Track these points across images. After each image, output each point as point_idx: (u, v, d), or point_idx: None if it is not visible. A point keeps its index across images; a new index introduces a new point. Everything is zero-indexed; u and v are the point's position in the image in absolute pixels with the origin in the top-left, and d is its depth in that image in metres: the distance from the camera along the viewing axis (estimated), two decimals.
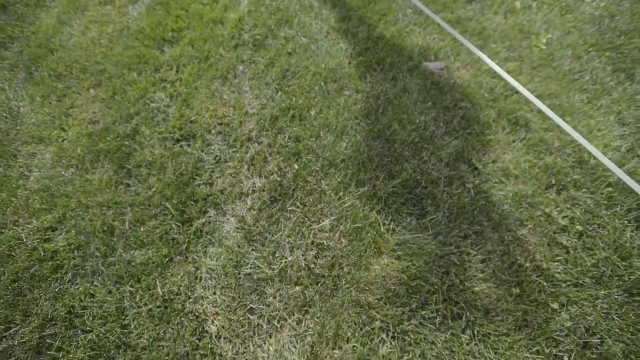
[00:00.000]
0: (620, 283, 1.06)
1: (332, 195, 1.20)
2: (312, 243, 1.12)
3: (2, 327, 0.99)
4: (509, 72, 1.49)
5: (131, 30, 1.71)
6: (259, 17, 1.73)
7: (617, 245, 1.11)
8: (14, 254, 1.10)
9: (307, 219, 1.17)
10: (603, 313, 1.02)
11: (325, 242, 1.12)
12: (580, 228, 1.14)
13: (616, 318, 1.01)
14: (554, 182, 1.24)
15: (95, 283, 1.06)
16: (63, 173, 1.26)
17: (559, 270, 1.08)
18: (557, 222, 1.15)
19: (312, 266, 1.09)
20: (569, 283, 1.06)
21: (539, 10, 1.76)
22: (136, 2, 1.86)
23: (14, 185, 1.24)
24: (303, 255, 1.10)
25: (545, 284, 1.06)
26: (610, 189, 1.21)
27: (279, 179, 1.25)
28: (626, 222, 1.15)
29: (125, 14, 1.80)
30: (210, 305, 1.03)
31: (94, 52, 1.62)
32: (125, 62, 1.57)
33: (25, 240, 1.12)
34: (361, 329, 0.99)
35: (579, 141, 1.18)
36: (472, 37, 1.62)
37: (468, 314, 1.01)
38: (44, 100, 1.47)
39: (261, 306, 1.03)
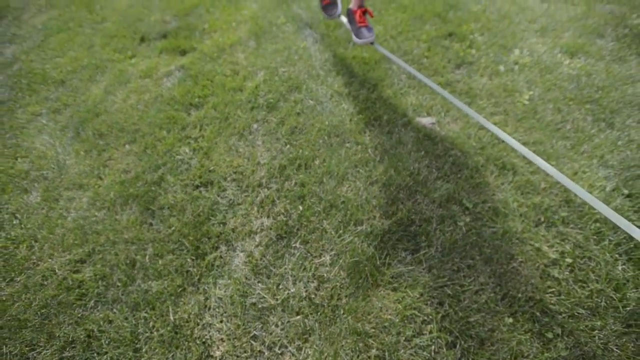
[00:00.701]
0: (616, 314, 1.08)
1: (333, 232, 1.31)
2: (313, 275, 1.21)
3: (27, 348, 1.09)
4: (494, 124, 1.65)
5: (164, 97, 2.00)
6: (272, 85, 2.00)
7: (609, 278, 1.15)
8: (45, 282, 1.23)
9: (309, 254, 1.27)
10: (601, 343, 1.04)
11: (325, 275, 1.21)
12: (570, 261, 1.19)
13: (615, 349, 1.03)
14: (542, 219, 1.32)
15: (114, 310, 1.16)
16: (96, 214, 1.43)
17: (552, 301, 1.12)
18: (548, 255, 1.21)
19: (313, 296, 1.16)
20: (563, 314, 1.09)
21: (520, 72, 1.97)
22: (170, 75, 2.19)
23: (53, 224, 1.41)
24: (304, 287, 1.18)
25: (538, 314, 1.09)
26: (598, 224, 1.28)
27: (284, 219, 1.37)
28: (616, 255, 1.20)
29: (160, 84, 2.11)
30: (217, 331, 1.10)
31: (131, 115, 1.90)
32: (157, 123, 1.83)
33: (57, 270, 1.26)
34: (358, 356, 1.04)
35: (562, 183, 1.28)
36: (461, 96, 1.82)
37: (462, 342, 1.05)
38: (86, 154, 1.70)
39: (263, 333, 1.10)
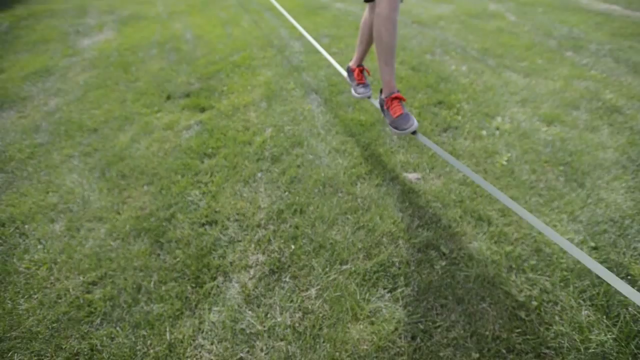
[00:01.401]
0: (579, 355, 1.17)
1: (320, 270, 1.45)
2: (299, 307, 1.33)
3: (36, 357, 1.20)
4: (473, 182, 1.84)
5: (182, 147, 2.26)
6: (278, 140, 2.26)
7: (573, 321, 1.25)
8: (59, 300, 1.37)
9: (297, 287, 1.40)
10: None
11: (309, 307, 1.33)
12: (537, 304, 1.30)
13: None
14: (513, 266, 1.44)
15: (117, 327, 1.28)
16: (111, 243, 1.61)
17: (518, 341, 1.21)
18: (516, 298, 1.32)
19: (297, 325, 1.27)
20: (529, 353, 1.18)
21: (501, 137, 2.20)
22: (189, 128, 2.47)
23: (72, 250, 1.58)
24: (290, 316, 1.30)
25: (504, 351, 1.18)
26: (565, 273, 1.40)
27: (278, 256, 1.52)
28: (581, 301, 1.31)
29: (179, 136, 2.38)
30: (207, 352, 1.21)
31: (152, 160, 2.14)
32: (173, 168, 2.06)
33: (71, 290, 1.40)
34: None
35: (536, 226, 1.43)
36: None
37: None
38: (108, 192, 1.92)
39: (250, 356, 1.20)
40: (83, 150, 2.30)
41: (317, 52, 3.05)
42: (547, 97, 2.67)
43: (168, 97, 2.94)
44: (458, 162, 1.38)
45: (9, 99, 3.10)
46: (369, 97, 1.87)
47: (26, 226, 1.75)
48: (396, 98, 1.57)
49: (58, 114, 2.79)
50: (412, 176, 1.91)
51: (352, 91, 1.97)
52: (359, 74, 1.96)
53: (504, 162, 1.99)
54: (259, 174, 2.01)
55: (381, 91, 1.67)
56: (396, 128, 1.51)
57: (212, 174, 2.02)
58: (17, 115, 2.84)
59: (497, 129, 2.29)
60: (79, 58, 4.03)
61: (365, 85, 1.89)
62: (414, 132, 1.51)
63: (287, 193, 1.86)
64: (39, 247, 1.62)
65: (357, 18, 4.93)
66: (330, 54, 3.50)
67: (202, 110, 2.73)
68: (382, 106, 1.66)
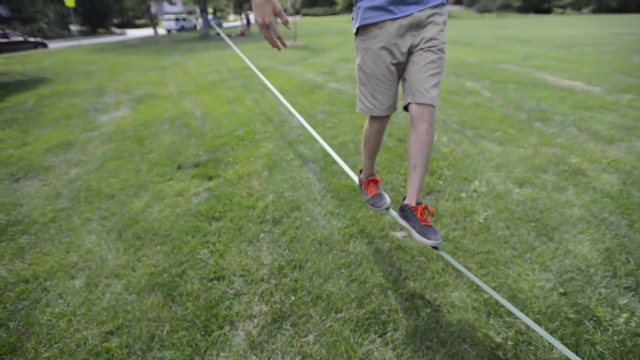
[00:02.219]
0: None
1: (317, 318, 1.61)
2: (298, 352, 1.47)
3: None
4: (453, 239, 2.06)
5: (192, 211, 2.50)
6: (278, 205, 2.51)
7: (546, 359, 1.39)
8: (79, 349, 1.50)
9: (297, 334, 1.55)
10: None
11: (308, 351, 1.47)
12: (512, 344, 1.45)
13: None
14: (491, 311, 1.61)
15: None
16: (127, 297, 1.77)
17: None
18: (494, 339, 1.47)
19: None
20: None
21: (478, 198, 2.47)
22: (198, 195, 2.73)
23: (91, 304, 1.73)
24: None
25: None
26: (538, 316, 1.56)
27: (279, 307, 1.68)
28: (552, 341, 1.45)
29: (189, 201, 2.64)
30: None
31: (164, 223, 2.36)
32: (184, 230, 2.28)
33: (89, 339, 1.54)
34: None
35: (506, 306, 1.62)
36: (428, 217, 2.27)
37: None
38: (124, 251, 2.11)
39: None
40: (101, 214, 2.53)
41: (313, 127, 3.44)
42: (519, 163, 3.00)
43: (179, 167, 3.25)
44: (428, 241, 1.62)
45: (33, 169, 3.41)
46: (436, 248, 1.52)
47: (48, 282, 1.91)
48: (373, 180, 1.86)
49: (78, 182, 3.07)
50: (399, 234, 2.13)
51: (416, 235, 1.52)
52: (422, 213, 1.53)
53: (481, 221, 2.23)
54: (262, 235, 2.22)
55: (360, 171, 1.97)
56: (372, 206, 1.79)
57: (219, 235, 2.23)
58: (40, 183, 3.11)
59: (475, 191, 2.57)
60: (98, 132, 4.44)
61: (432, 231, 1.45)
62: (387, 209, 1.75)
63: (287, 251, 2.06)
64: (60, 301, 1.78)
65: (350, 96, 5.51)
66: (325, 128, 3.93)
67: (210, 178, 3.02)
68: (360, 184, 1.95)
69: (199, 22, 34.24)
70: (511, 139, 3.56)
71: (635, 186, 2.60)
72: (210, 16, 30.54)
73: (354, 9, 1.50)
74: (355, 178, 2.12)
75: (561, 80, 6.28)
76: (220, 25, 36.87)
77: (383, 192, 1.83)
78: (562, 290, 1.70)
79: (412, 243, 2.06)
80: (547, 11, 67.49)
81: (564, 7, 68.02)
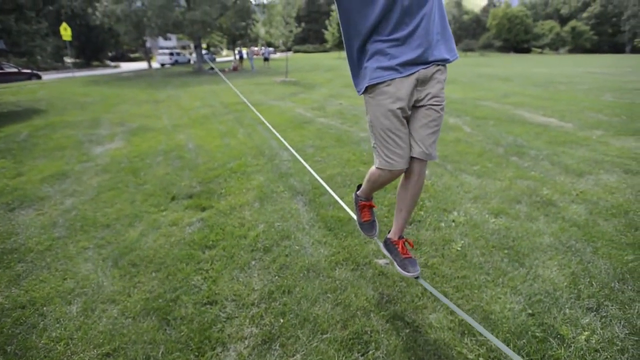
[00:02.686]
0: None
1: (304, 339, 1.72)
2: None
3: None
4: (432, 265, 2.21)
5: (186, 240, 2.61)
6: (269, 234, 2.64)
7: None
8: None
9: (285, 354, 1.65)
10: None
11: None
12: None
13: None
14: (465, 331, 1.74)
15: None
16: (123, 321, 1.85)
17: None
18: (467, 356, 1.60)
19: None
20: None
21: (456, 227, 2.64)
22: (191, 225, 2.85)
23: (88, 328, 1.80)
24: None
25: None
26: (507, 335, 1.70)
27: (269, 329, 1.79)
28: (521, 357, 1.58)
29: (183, 231, 2.75)
30: None
31: (159, 252, 2.47)
32: (178, 258, 2.38)
33: None
34: None
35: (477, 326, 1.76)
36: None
37: None
38: (120, 278, 2.20)
39: None
40: (97, 243, 2.63)
41: (303, 159, 3.63)
42: (495, 194, 3.22)
43: (173, 198, 3.38)
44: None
45: (28, 198, 3.49)
46: (417, 278, 1.65)
47: (45, 308, 1.98)
48: (367, 206, 1.96)
49: (74, 211, 3.16)
50: (381, 262, 2.27)
51: (397, 267, 1.71)
52: (403, 246, 1.73)
53: (458, 248, 2.39)
54: (253, 262, 2.34)
55: (358, 188, 1.99)
56: (362, 230, 1.98)
57: (212, 262, 2.34)
58: (35, 212, 3.19)
59: (453, 221, 2.75)
60: (93, 164, 4.56)
61: (412, 262, 1.66)
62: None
63: (277, 277, 2.18)
64: (57, 325, 1.85)
65: (338, 131, 5.78)
66: (314, 161, 4.13)
67: (203, 209, 3.15)
68: (356, 203, 2.01)
69: (193, 57, 35.25)
70: (489, 172, 3.79)
71: (600, 216, 2.82)
72: (204, 51, 31.51)
73: (360, 69, 1.54)
74: (346, 209, 2.30)
75: (537, 117, 6.69)
76: (213, 60, 37.97)
77: (375, 220, 1.98)
78: (530, 311, 1.85)
79: (393, 269, 2.20)
80: (527, 51, 71.35)
81: (542, 47, 72.09)
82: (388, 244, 1.79)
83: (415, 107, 1.52)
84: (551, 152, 4.48)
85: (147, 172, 4.15)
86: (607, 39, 72.42)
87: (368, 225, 1.97)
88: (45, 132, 6.58)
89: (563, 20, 76.32)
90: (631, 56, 50.70)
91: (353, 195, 2.13)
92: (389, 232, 1.81)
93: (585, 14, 74.71)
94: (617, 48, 71.93)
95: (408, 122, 1.55)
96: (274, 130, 4.83)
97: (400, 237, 1.75)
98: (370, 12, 1.38)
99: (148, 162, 4.54)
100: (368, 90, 1.52)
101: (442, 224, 2.71)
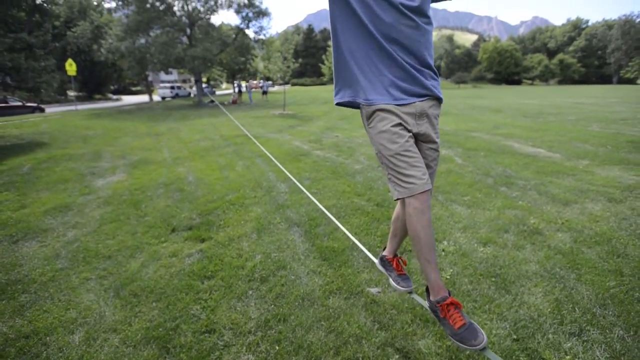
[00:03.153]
0: None
1: None
2: None
3: None
4: (422, 293, 2.30)
5: (185, 271, 2.70)
6: (265, 265, 2.74)
7: None
8: None
9: None
10: None
11: None
12: None
13: None
14: (453, 357, 1.81)
15: None
16: (124, 349, 1.92)
17: None
18: None
19: None
20: None
21: (446, 257, 2.75)
22: (191, 256, 2.95)
23: (90, 357, 1.87)
24: None
25: None
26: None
27: (265, 356, 1.86)
28: None
29: (183, 262, 2.85)
30: None
31: (159, 282, 2.55)
32: (178, 288, 2.47)
33: None
34: None
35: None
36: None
37: None
38: (122, 308, 2.27)
39: None
40: (99, 274, 2.71)
41: (300, 192, 3.78)
42: (483, 224, 3.34)
43: (173, 230, 3.48)
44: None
45: (31, 230, 3.59)
46: (410, 293, 1.74)
47: (48, 337, 2.05)
48: (452, 304, 1.46)
49: (76, 243, 3.26)
50: (374, 290, 2.37)
51: (392, 282, 1.82)
52: (397, 264, 1.84)
53: (448, 277, 2.49)
54: (250, 292, 2.43)
55: (428, 292, 1.58)
56: (461, 342, 1.38)
57: (210, 292, 2.43)
58: (38, 244, 3.28)
59: (443, 250, 2.86)
60: (95, 196, 4.69)
61: (405, 278, 1.78)
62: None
63: (273, 306, 2.26)
64: (60, 355, 1.91)
65: (334, 164, 5.97)
66: (310, 193, 4.26)
67: (202, 240, 3.25)
68: (434, 311, 1.53)
69: (193, 90, 36.21)
70: (478, 202, 3.94)
71: (584, 244, 2.94)
72: (204, 85, 32.40)
73: (351, 77, 1.53)
74: (348, 234, 2.41)
75: (526, 148, 6.92)
76: (212, 94, 38.96)
77: (473, 322, 1.45)
78: (515, 336, 1.94)
79: (385, 297, 2.29)
80: (518, 82, 73.70)
81: (532, 78, 74.58)
82: (384, 260, 1.92)
83: (416, 139, 1.51)
84: (539, 182, 4.65)
85: (148, 204, 4.27)
86: (594, 70, 75.33)
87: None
88: (48, 165, 6.74)
89: (551, 54, 79.58)
90: (618, 87, 52.41)
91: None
92: (384, 250, 1.96)
93: (571, 48, 78.04)
94: (604, 79, 74.64)
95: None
96: (276, 162, 5.00)
97: (395, 255, 1.88)
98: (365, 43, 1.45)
99: (149, 194, 4.67)
100: (369, 120, 1.52)
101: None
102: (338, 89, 1.60)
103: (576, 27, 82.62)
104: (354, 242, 2.79)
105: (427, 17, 1.44)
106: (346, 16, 1.44)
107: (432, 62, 1.49)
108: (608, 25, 75.69)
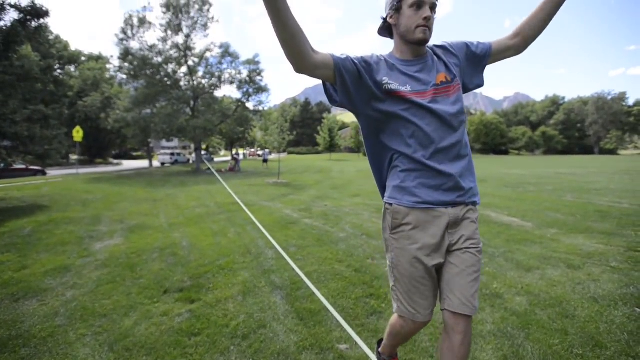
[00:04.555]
0: None
1: None
2: None
3: None
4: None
5: (175, 328, 2.97)
6: (248, 323, 3.03)
7: None
8: None
9: None
10: None
11: None
12: None
13: None
14: None
15: None
16: None
17: None
18: None
19: None
20: None
21: None
22: (180, 315, 3.22)
23: None
24: None
25: None
26: None
27: None
28: None
29: (173, 320, 3.11)
30: None
31: (150, 338, 2.81)
32: (167, 343, 2.73)
33: None
34: None
35: None
36: (370, 332, 2.82)
37: None
38: None
39: None
40: (95, 330, 2.97)
41: (284, 258, 4.13)
42: None
43: (165, 292, 3.77)
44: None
45: (32, 290, 3.85)
46: None
47: None
48: None
49: (74, 302, 3.52)
50: (342, 347, 2.65)
51: None
52: None
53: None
54: (232, 347, 2.69)
55: (379, 344, 1.88)
56: None
57: (197, 347, 2.69)
58: (39, 303, 3.54)
59: None
60: (93, 259, 4.98)
61: None
62: None
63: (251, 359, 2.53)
64: None
65: (320, 232, 6.36)
66: (295, 260, 4.62)
67: (192, 302, 3.53)
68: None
69: (192, 157, 37.56)
70: None
71: (538, 306, 3.26)
72: (202, 152, 33.73)
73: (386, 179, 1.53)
74: (323, 300, 2.73)
75: (502, 217, 7.41)
76: (211, 160, 40.36)
77: None
78: None
79: (352, 353, 2.57)
80: (505, 152, 77.03)
81: (519, 149, 78.24)
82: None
83: (449, 252, 1.44)
84: (507, 249, 5.05)
85: (143, 267, 4.57)
86: (575, 141, 79.75)
87: None
88: (49, 228, 7.06)
89: (534, 126, 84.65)
90: (599, 157, 55.02)
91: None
92: (380, 341, 2.06)
93: (552, 121, 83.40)
94: (586, 149, 78.66)
95: (440, 269, 1.45)
96: (265, 232, 5.39)
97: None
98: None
99: (144, 258, 4.98)
100: (393, 230, 1.46)
101: None
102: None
103: (554, 102, 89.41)
104: (329, 303, 3.12)
105: None
106: None
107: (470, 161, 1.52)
108: (583, 102, 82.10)
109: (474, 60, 1.55)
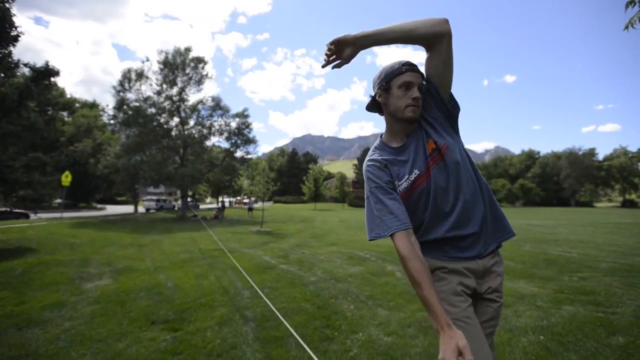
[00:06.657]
0: None
1: None
2: None
3: None
4: None
5: (160, 349, 3.59)
6: (222, 346, 3.68)
7: None
8: None
9: None
10: None
11: None
12: None
13: None
14: None
15: None
16: None
17: None
18: None
19: None
20: None
21: (357, 342, 3.74)
22: (165, 340, 3.84)
23: None
24: None
25: None
26: None
27: None
28: None
29: (159, 344, 3.74)
30: None
31: (140, 357, 3.43)
32: None
33: None
34: None
35: None
36: (320, 354, 3.50)
37: None
38: None
39: None
40: (93, 351, 3.57)
41: (259, 297, 4.82)
42: (395, 322, 4.37)
43: (152, 323, 4.38)
44: None
45: (33, 321, 4.40)
46: None
47: None
48: None
49: (73, 330, 4.10)
50: None
51: None
52: None
53: (352, 354, 3.47)
54: None
55: None
56: None
57: None
58: (41, 331, 4.10)
59: (357, 339, 3.86)
60: (85, 296, 5.54)
61: None
62: None
63: None
64: None
65: (294, 276, 7.04)
66: (268, 299, 5.29)
67: (176, 330, 4.15)
68: None
69: (178, 203, 37.90)
70: (398, 307, 5.01)
71: None
72: (188, 199, 34.21)
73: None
74: (288, 326, 3.43)
75: None
76: (196, 207, 40.64)
77: None
78: None
79: None
80: None
81: (500, 200, 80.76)
82: None
83: (475, 297, 1.43)
84: None
85: (132, 303, 5.16)
86: (552, 194, 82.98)
87: None
88: (40, 269, 7.53)
89: (513, 179, 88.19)
90: (575, 209, 57.02)
91: None
92: None
93: (529, 174, 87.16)
94: (563, 201, 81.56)
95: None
96: (247, 276, 6.04)
97: None
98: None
99: (133, 296, 5.56)
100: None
101: (348, 341, 3.82)
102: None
103: (530, 156, 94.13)
104: (291, 332, 3.82)
105: None
106: None
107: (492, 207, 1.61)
108: (557, 156, 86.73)
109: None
